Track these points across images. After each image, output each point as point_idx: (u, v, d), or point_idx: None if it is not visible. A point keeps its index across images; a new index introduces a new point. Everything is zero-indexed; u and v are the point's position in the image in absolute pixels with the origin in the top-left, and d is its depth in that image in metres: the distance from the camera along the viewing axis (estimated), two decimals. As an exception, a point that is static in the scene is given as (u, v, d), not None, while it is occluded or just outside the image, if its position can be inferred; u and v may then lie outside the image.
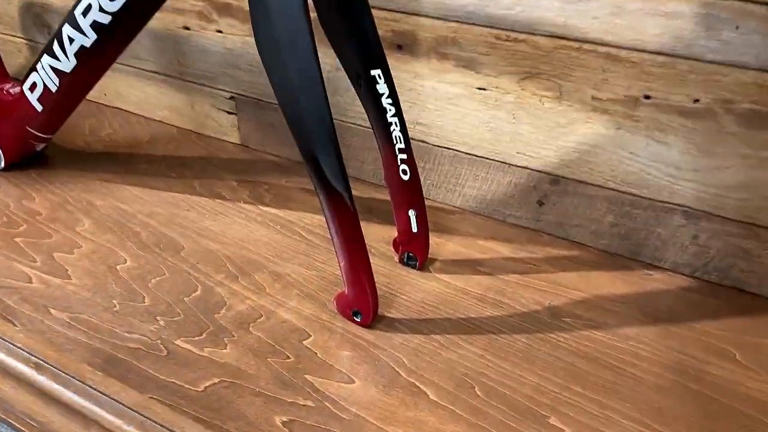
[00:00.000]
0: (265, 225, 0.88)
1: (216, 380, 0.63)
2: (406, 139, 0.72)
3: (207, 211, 0.91)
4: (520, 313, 0.74)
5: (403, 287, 0.77)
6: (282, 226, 0.88)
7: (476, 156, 0.88)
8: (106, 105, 1.20)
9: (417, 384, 0.64)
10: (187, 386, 0.62)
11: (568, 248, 0.86)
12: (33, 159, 0.99)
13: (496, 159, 0.86)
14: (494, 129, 0.84)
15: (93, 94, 1.29)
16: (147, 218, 0.88)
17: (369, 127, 0.93)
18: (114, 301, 0.73)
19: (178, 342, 0.68)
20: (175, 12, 1.01)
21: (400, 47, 0.85)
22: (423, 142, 0.90)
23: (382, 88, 0.69)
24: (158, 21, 1.04)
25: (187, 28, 1.02)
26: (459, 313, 0.73)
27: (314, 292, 0.76)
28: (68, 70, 0.80)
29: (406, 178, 0.74)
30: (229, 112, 1.07)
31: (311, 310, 0.73)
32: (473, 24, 0.79)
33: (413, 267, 0.80)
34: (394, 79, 0.70)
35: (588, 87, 0.76)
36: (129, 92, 1.16)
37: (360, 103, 0.73)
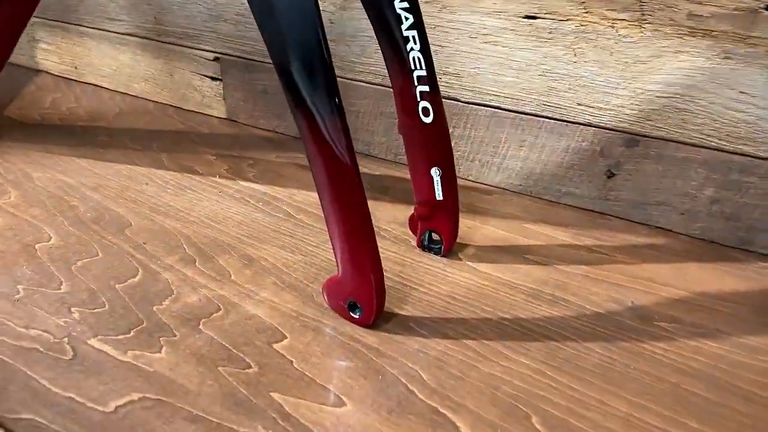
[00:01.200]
0: (242, 202, 0.67)
1: (135, 397, 0.42)
2: (429, 62, 0.51)
3: (170, 185, 0.70)
4: (591, 315, 0.51)
5: (422, 277, 0.55)
6: (264, 203, 0.67)
7: (522, 114, 0.66)
8: (77, 80, 1.02)
9: (441, 410, 0.41)
10: (90, 404, 0.41)
11: (648, 234, 0.63)
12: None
13: (550, 116, 0.65)
14: (547, 73, 0.63)
15: (62, 68, 1.11)
16: (91, 191, 0.68)
17: (382, 85, 0.74)
18: (18, 287, 0.52)
19: (92, 341, 0.47)
20: (150, -45, 0.84)
21: (422, -30, 0.65)
22: (451, 99, 0.69)
23: (407, 26, 0.49)
24: (132, -32, 0.87)
25: (164, -25, 0.84)
26: (502, 312, 0.51)
27: (297, 281, 0.54)
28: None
29: (427, 120, 0.53)
30: (213, 78, 0.88)
31: (290, 303, 0.51)
32: (520, -74, 0.59)
33: (437, 252, 0.58)
34: None
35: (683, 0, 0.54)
36: (102, 63, 0.98)
37: (368, 46, 0.53)
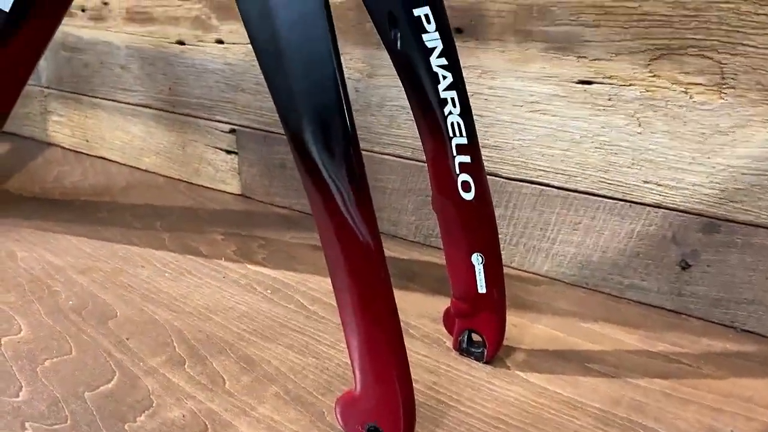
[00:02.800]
0: (248, 289, 0.58)
1: None
2: (471, 129, 0.43)
3: (169, 269, 0.61)
4: (683, 449, 0.39)
5: (461, 391, 0.44)
6: (273, 291, 0.58)
7: (576, 192, 0.57)
8: (87, 154, 0.97)
9: None
10: None
11: (736, 340, 0.52)
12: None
13: (609, 195, 0.55)
14: (606, 146, 0.54)
15: (73, 141, 1.07)
16: (78, 274, 0.60)
17: (411, 159, 0.65)
18: (-33, 393, 0.43)
19: (39, 472, 0.36)
20: (167, 22, 0.79)
21: (459, 31, 0.58)
22: (492, 174, 0.61)
23: (431, 39, 0.41)
24: (148, 38, 0.82)
25: (181, 43, 0.79)
26: (567, 442, 0.40)
27: (306, 392, 0.44)
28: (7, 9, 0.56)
29: (468, 196, 0.44)
30: (228, 151, 0.81)
31: (294, 423, 0.41)
32: (573, -19, 0.52)
33: (479, 358, 0.48)
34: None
35: (772, 62, 0.46)
36: (113, 135, 0.92)
37: (398, 116, 0.45)
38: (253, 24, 0.35)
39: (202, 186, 0.85)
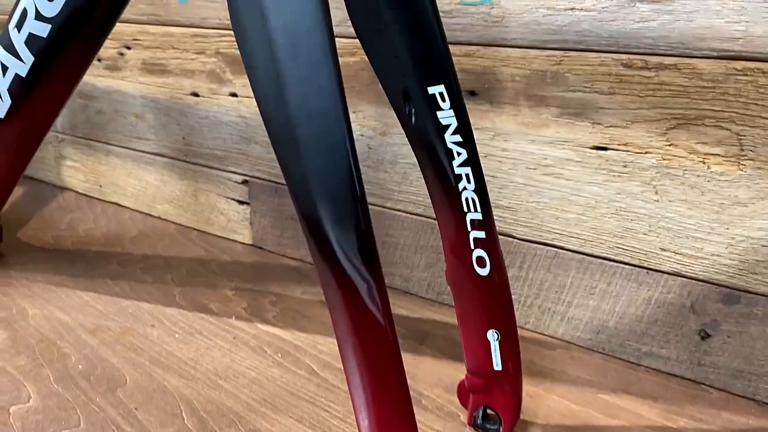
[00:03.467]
0: (259, 352, 0.57)
1: None
2: (485, 204, 0.42)
3: (179, 328, 0.61)
4: None
5: (477, 473, 0.43)
6: (284, 354, 0.57)
7: (592, 256, 0.56)
8: (100, 199, 0.97)
9: None
10: None
11: (759, 414, 0.50)
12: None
13: (626, 261, 0.55)
14: (622, 212, 0.54)
15: (86, 186, 1.08)
16: (88, 335, 0.59)
17: (424, 216, 0.65)
18: (-27, 469, 0.42)
19: None
20: (182, 74, 0.80)
21: (472, 93, 0.58)
22: (506, 235, 0.60)
23: (446, 117, 0.41)
24: (163, 89, 0.83)
25: (195, 95, 0.80)
26: None
27: (317, 472, 0.43)
28: (2, 116, 0.57)
29: (483, 272, 0.43)
30: (240, 202, 0.81)
31: None
32: (588, 50, 0.52)
33: (493, 435, 0.46)
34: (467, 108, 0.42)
35: (791, 135, 0.45)
36: (126, 182, 0.93)
37: (410, 173, 0.45)
38: (269, 109, 0.35)
39: (214, 235, 0.84)
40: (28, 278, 0.70)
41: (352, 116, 0.67)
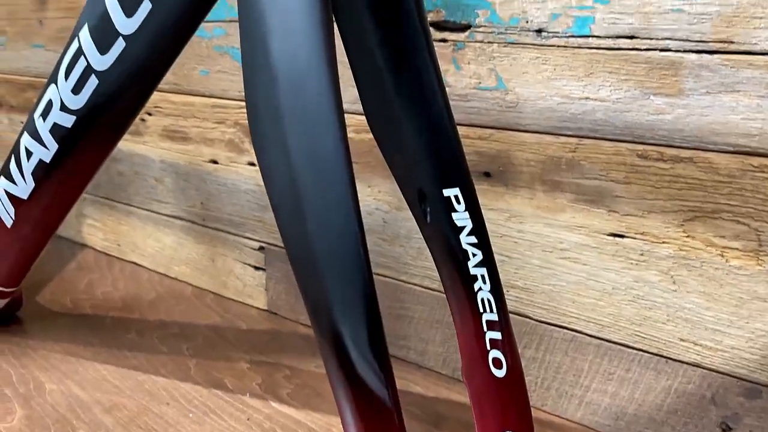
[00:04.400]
0: (273, 435, 0.57)
1: None
2: (501, 305, 0.42)
3: (194, 407, 0.61)
4: None
5: None
6: (298, 438, 0.57)
7: (610, 342, 0.55)
8: (119, 258, 0.98)
9: None
10: None
11: None
12: (-3, 319, 0.75)
13: (644, 349, 0.54)
14: (640, 300, 0.53)
15: (106, 245, 1.10)
16: (104, 414, 0.59)
17: (440, 291, 0.65)
18: None
19: None
20: (202, 142, 0.82)
21: (487, 175, 0.59)
22: (522, 315, 0.60)
23: (461, 218, 0.41)
24: (182, 155, 0.84)
25: (214, 162, 0.81)
26: None
27: None
28: (25, 196, 0.58)
29: (499, 373, 0.43)
30: (256, 268, 0.81)
31: None
32: (602, 138, 0.52)
33: None
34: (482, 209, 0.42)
35: (811, 232, 0.45)
36: (145, 243, 0.94)
37: (426, 249, 0.45)
38: (277, 194, 0.35)
39: (230, 299, 0.85)
40: (46, 348, 0.71)
41: (366, 190, 0.68)
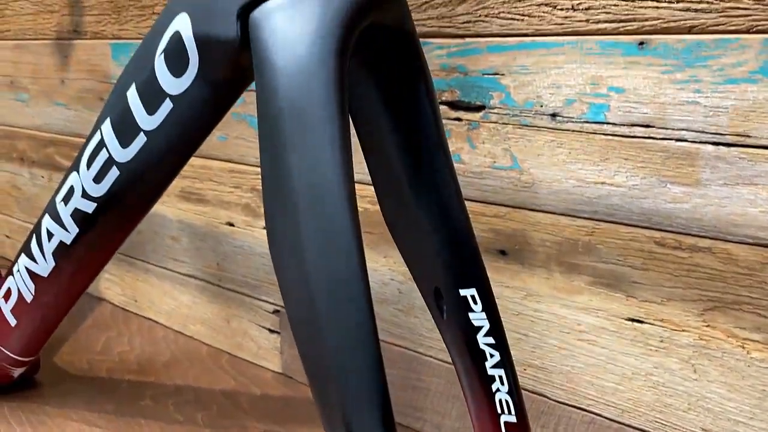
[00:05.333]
0: None
1: None
2: (520, 406, 0.42)
3: (208, 484, 0.61)
4: None
5: None
6: None
7: (631, 427, 0.54)
8: (135, 313, 0.99)
9: None
10: None
11: None
12: (16, 383, 0.76)
13: (664, 435, 0.53)
14: (660, 386, 0.52)
15: (123, 300, 1.11)
16: (119, 492, 0.59)
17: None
18: None
19: None
20: (219, 205, 0.82)
21: (503, 253, 0.59)
22: (539, 395, 0.59)
23: (478, 318, 0.41)
24: (199, 216, 0.85)
25: (231, 224, 0.82)
26: None
27: None
28: (45, 274, 0.59)
29: (518, 476, 0.42)
30: (271, 330, 0.81)
31: None
32: (619, 223, 0.52)
33: None
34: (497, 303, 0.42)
35: (835, 328, 0.44)
36: (161, 300, 0.94)
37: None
38: (294, 308, 0.35)
39: (245, 360, 0.85)
40: (63, 415, 0.71)
41: (382, 260, 0.68)
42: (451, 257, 0.41)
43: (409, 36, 0.38)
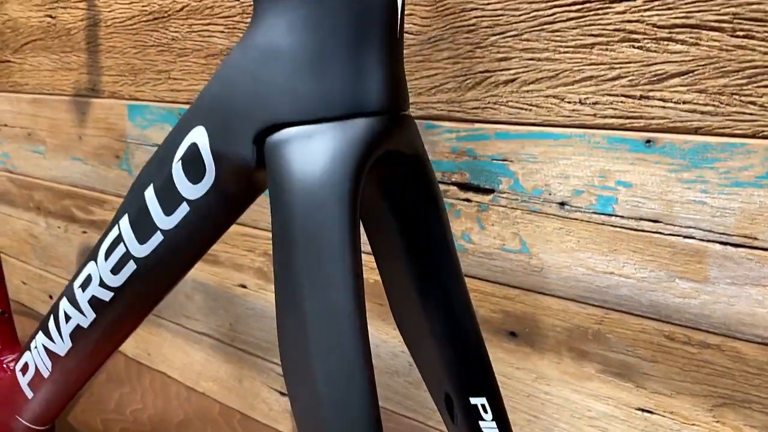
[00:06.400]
0: None
1: None
2: None
3: None
4: None
5: None
6: None
7: None
8: (149, 366, 1.00)
9: None
10: None
11: None
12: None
13: None
14: (670, 477, 0.52)
15: (137, 352, 1.13)
16: None
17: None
18: None
19: None
20: (232, 267, 0.84)
21: (513, 334, 0.59)
22: (549, 476, 0.59)
23: (488, 427, 0.42)
24: (213, 276, 0.87)
25: (243, 287, 0.83)
26: None
27: None
28: (62, 353, 0.60)
29: None
30: (282, 393, 0.82)
31: None
32: (629, 313, 0.52)
33: None
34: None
35: None
36: (174, 355, 0.95)
37: None
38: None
39: (256, 421, 0.85)
40: (77, 483, 0.72)
41: (392, 332, 0.69)
42: (461, 366, 0.42)
43: (420, 158, 0.39)
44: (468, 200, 0.60)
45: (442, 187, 0.61)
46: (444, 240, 0.40)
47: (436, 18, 0.59)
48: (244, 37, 0.38)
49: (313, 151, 0.35)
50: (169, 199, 0.47)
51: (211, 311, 0.89)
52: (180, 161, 0.45)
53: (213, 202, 0.45)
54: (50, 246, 1.15)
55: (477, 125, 0.58)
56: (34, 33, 1.05)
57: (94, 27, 0.94)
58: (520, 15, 0.54)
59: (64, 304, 0.58)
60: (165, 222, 0.48)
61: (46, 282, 1.19)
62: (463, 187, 0.60)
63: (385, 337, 0.69)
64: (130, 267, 0.51)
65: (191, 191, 0.45)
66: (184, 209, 0.46)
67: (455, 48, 0.58)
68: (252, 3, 0.37)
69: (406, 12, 0.54)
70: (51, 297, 1.18)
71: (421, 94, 0.61)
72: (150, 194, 0.48)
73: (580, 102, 0.52)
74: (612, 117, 0.51)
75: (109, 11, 0.91)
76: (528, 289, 0.58)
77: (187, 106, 0.83)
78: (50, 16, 1.01)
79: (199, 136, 0.43)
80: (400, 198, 0.40)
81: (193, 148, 0.44)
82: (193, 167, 0.44)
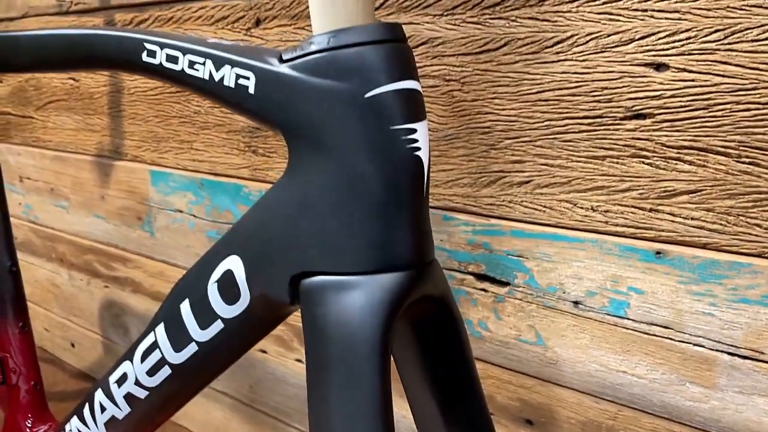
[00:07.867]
0: None
1: None
2: None
3: None
4: None
5: None
6: None
7: None
8: (171, 420, 1.02)
9: None
10: None
11: None
12: None
13: None
14: None
15: None
16: None
17: None
18: None
19: None
20: (252, 333, 0.86)
21: (530, 423, 0.61)
22: None
23: None
24: (234, 340, 0.89)
25: (264, 352, 0.86)
26: None
27: None
28: (96, 439, 0.63)
29: None
30: (302, 458, 0.84)
31: None
32: (642, 411, 0.54)
33: None
34: None
35: None
36: (194, 411, 0.98)
37: None
38: None
39: (277, 481, 0.88)
40: None
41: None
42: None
43: (445, 299, 0.42)
44: (485, 290, 0.63)
45: (458, 276, 0.64)
46: (467, 371, 0.43)
47: (452, 117, 0.61)
48: (281, 180, 0.41)
49: (348, 303, 0.38)
50: (205, 314, 0.49)
51: (231, 372, 0.91)
52: (216, 283, 0.48)
53: (246, 322, 0.48)
54: (73, 297, 1.18)
55: (493, 221, 0.61)
56: (57, 93, 1.08)
57: (117, 93, 0.97)
58: (533, 123, 0.56)
59: (100, 396, 0.61)
60: (200, 335, 0.50)
61: (68, 330, 1.22)
62: (480, 277, 0.63)
63: (405, 413, 0.71)
64: (165, 371, 0.54)
65: (226, 311, 0.48)
66: (218, 326, 0.49)
67: (471, 147, 0.60)
68: (286, 145, 0.40)
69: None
70: (73, 345, 1.21)
71: (438, 186, 0.63)
72: (186, 308, 0.51)
73: (592, 209, 0.54)
74: (623, 226, 0.53)
75: (132, 80, 0.94)
76: (544, 380, 0.60)
77: (209, 177, 0.86)
78: (73, 79, 1.05)
79: (235, 264, 0.46)
80: (426, 333, 0.42)
81: (229, 274, 0.46)
82: (229, 291, 0.47)
